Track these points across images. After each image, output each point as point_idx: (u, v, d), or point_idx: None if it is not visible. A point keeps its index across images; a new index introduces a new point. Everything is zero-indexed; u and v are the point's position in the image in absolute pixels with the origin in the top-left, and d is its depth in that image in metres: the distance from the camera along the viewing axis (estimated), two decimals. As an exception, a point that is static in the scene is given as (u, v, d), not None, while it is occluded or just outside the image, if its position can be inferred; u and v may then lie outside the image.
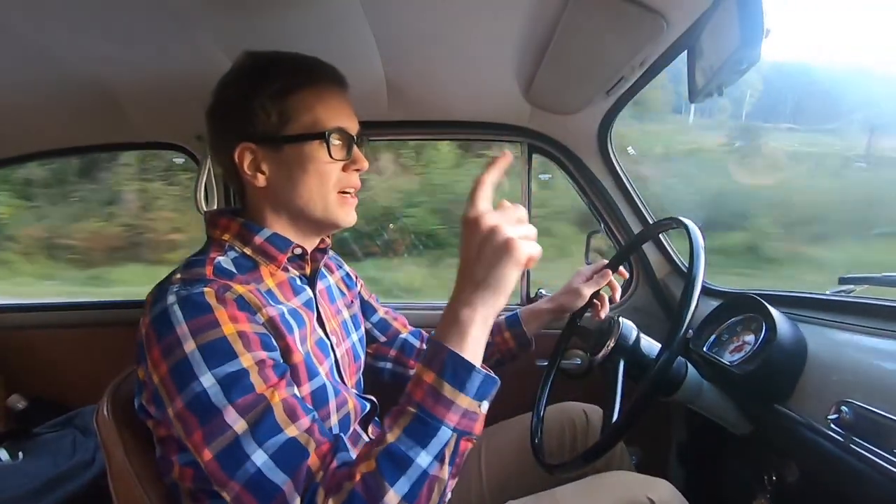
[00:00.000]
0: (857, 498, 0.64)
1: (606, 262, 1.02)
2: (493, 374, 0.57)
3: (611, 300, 1.02)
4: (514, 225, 0.55)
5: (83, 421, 1.38)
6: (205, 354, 0.56)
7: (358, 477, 0.53)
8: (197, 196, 1.25)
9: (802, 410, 0.72)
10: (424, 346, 1.04)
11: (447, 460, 0.54)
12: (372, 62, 0.97)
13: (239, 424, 0.54)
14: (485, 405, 0.57)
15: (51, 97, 1.09)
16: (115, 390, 0.72)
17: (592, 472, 0.90)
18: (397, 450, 0.53)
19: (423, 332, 1.07)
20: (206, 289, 0.61)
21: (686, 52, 0.76)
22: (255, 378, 0.57)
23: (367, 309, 1.02)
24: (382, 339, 1.03)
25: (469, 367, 0.55)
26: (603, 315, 1.00)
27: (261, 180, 0.71)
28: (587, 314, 1.03)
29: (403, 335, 1.04)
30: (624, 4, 0.67)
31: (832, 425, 0.66)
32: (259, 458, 0.54)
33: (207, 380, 0.56)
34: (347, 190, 0.74)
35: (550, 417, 0.98)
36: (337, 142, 0.70)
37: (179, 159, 1.46)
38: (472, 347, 0.56)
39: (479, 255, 0.54)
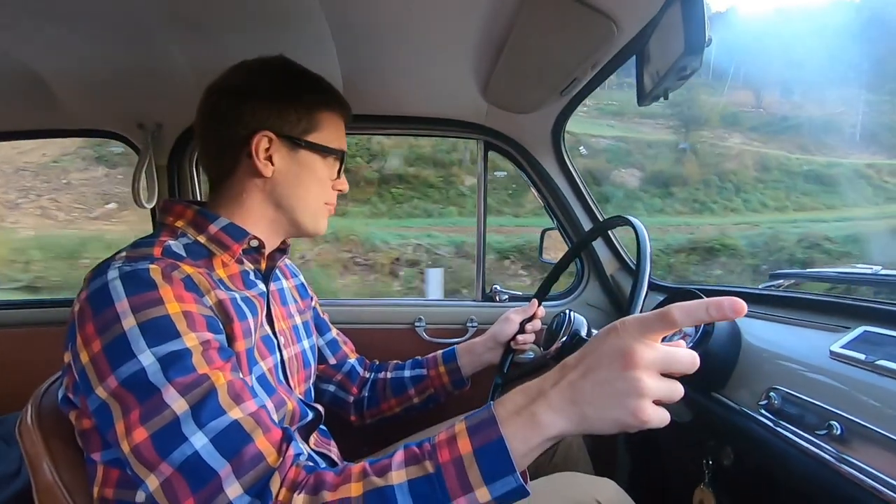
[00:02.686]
0: (784, 476, 0.69)
1: (535, 299, 1.05)
2: (527, 489, 0.49)
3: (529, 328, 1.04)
4: (659, 379, 0.46)
5: (6, 430, 1.27)
6: (145, 332, 0.53)
7: (339, 495, 0.49)
8: (135, 187, 1.17)
9: (737, 397, 0.77)
10: (367, 374, 1.04)
11: None
12: (328, 56, 0.95)
13: (178, 404, 0.51)
14: None
15: None
16: (41, 396, 0.67)
17: (551, 468, 0.93)
18: (392, 498, 0.48)
19: (366, 360, 1.07)
20: (152, 265, 0.58)
21: (635, 56, 0.79)
22: (197, 358, 0.54)
23: (321, 326, 1.01)
24: (332, 360, 1.02)
25: (510, 468, 0.48)
26: (530, 339, 1.03)
27: (269, 170, 0.72)
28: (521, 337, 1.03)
29: (351, 360, 1.04)
30: (577, 8, 0.69)
31: (762, 410, 0.71)
32: (198, 440, 0.50)
33: (146, 358, 0.52)
34: (330, 203, 0.80)
35: None
36: (338, 162, 0.78)
37: (118, 148, 1.36)
38: (525, 449, 0.48)
39: (604, 381, 0.45)
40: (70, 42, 0.87)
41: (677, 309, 0.45)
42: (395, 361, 1.06)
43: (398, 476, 0.49)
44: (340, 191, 0.81)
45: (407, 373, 1.02)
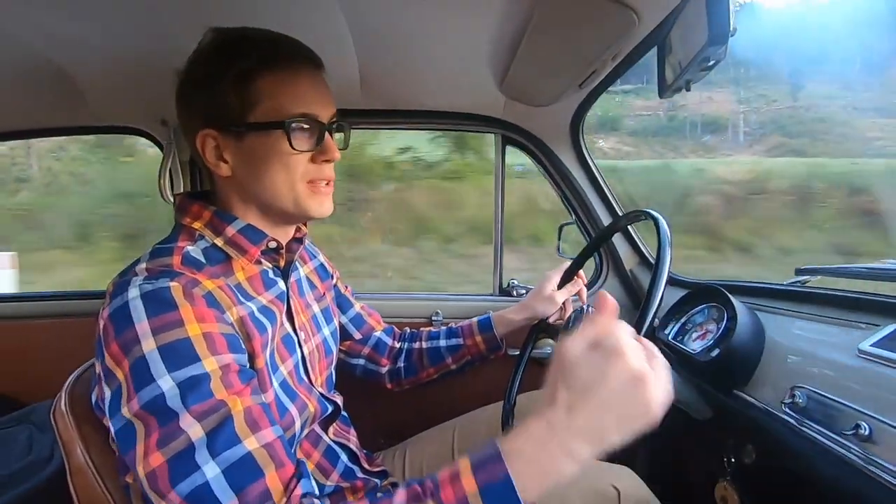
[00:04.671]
0: (808, 477, 0.67)
1: (571, 261, 1.03)
2: None
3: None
4: (647, 361, 0.47)
5: (39, 416, 1.32)
6: (165, 356, 0.53)
7: None
8: (161, 183, 1.20)
9: (760, 395, 0.76)
10: (397, 344, 1.05)
11: None
12: (345, 50, 0.95)
13: (195, 430, 0.51)
14: None
15: (2, 77, 1.03)
16: (74, 384, 0.70)
17: None
18: None
19: (396, 329, 1.07)
20: (172, 283, 0.56)
21: (656, 47, 0.78)
22: (216, 383, 0.54)
23: (343, 303, 1.01)
24: (357, 335, 1.02)
25: None
26: (566, 315, 1.02)
27: (224, 169, 0.66)
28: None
29: (377, 333, 1.04)
30: (597, -2, 0.68)
31: (786, 409, 0.69)
32: (210, 470, 0.50)
33: (165, 382, 0.52)
34: (318, 181, 0.69)
35: (523, 405, 1.00)
36: (303, 130, 0.65)
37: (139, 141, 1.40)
38: (533, 486, 0.47)
39: (621, 400, 0.46)
40: (97, 40, 0.89)
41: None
42: (427, 330, 1.07)
43: None
44: (327, 161, 0.68)
45: (443, 342, 1.03)
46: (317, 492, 0.56)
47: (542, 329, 1.03)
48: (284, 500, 0.51)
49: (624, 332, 0.48)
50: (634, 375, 0.46)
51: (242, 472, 0.51)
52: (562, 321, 1.02)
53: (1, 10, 0.77)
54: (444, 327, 1.06)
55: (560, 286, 1.02)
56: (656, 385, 0.46)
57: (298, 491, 0.52)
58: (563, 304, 1.02)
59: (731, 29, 0.58)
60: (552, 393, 0.48)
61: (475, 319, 1.05)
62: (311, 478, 0.56)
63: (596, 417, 0.46)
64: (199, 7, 0.81)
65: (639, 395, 0.46)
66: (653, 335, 0.99)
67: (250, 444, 0.52)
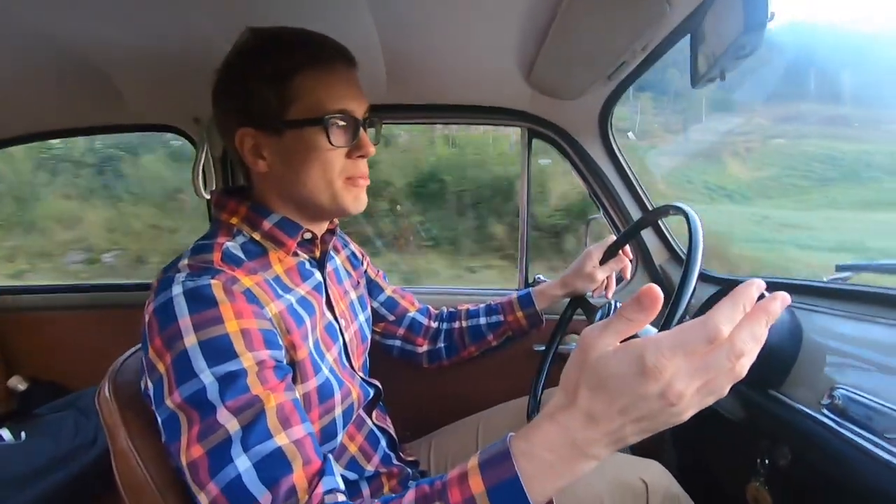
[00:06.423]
0: (848, 481, 0.65)
1: (615, 238, 1.01)
2: None
3: (620, 279, 1.03)
4: (690, 376, 0.39)
5: (84, 402, 1.40)
6: (205, 351, 0.55)
7: None
8: (195, 180, 1.24)
9: (796, 396, 0.73)
10: (433, 324, 1.06)
11: None
12: (371, 45, 0.96)
13: (231, 424, 0.53)
14: None
15: (43, 77, 1.08)
16: (118, 371, 0.73)
17: None
18: None
19: (431, 309, 1.08)
20: (213, 280, 0.59)
21: (689, 36, 0.75)
22: (252, 379, 0.55)
23: (373, 288, 1.02)
24: (391, 317, 1.03)
25: None
26: (610, 294, 1.01)
27: (262, 166, 0.68)
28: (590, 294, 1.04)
29: (411, 313, 1.05)
30: (627, -13, 0.66)
31: (825, 411, 0.67)
32: (242, 463, 0.51)
33: (206, 377, 0.54)
34: (354, 177, 0.70)
35: (548, 401, 0.99)
36: (340, 126, 0.67)
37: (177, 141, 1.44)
38: (545, 487, 0.44)
39: (642, 416, 0.41)
40: (133, 40, 0.92)
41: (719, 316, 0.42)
42: (466, 308, 1.08)
43: None
44: (362, 156, 0.70)
45: (483, 320, 1.04)
46: (342, 486, 0.56)
47: (579, 305, 1.03)
48: (306, 497, 0.52)
49: (665, 345, 0.39)
50: (667, 398, 0.39)
51: (272, 466, 0.52)
52: (603, 297, 1.01)
53: (42, 11, 0.81)
54: (481, 305, 1.06)
55: (603, 262, 1.00)
56: (691, 404, 0.40)
57: (321, 489, 0.53)
58: (607, 279, 1.01)
59: (769, 14, 0.56)
60: (571, 390, 0.44)
61: (514, 295, 1.05)
62: (355, 461, 0.57)
63: (617, 425, 0.41)
64: (230, 7, 0.82)
65: (667, 413, 0.40)
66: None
67: (281, 439, 0.54)
